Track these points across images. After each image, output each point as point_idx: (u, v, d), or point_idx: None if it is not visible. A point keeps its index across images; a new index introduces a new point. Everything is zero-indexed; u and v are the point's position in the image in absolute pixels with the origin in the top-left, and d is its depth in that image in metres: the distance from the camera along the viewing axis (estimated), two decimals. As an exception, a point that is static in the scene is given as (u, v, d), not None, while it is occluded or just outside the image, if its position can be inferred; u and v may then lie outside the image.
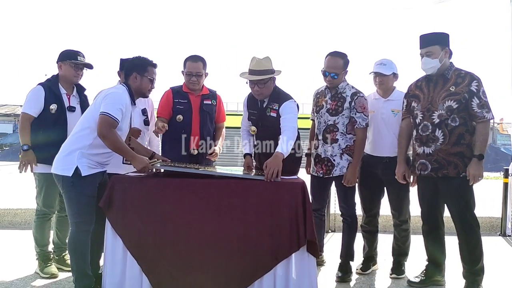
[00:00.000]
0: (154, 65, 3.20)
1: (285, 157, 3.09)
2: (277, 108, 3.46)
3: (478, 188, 3.29)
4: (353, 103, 3.57)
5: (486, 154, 3.23)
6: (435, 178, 3.27)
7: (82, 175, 2.96)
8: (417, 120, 3.33)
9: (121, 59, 3.87)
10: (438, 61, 3.23)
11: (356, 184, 3.75)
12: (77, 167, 2.95)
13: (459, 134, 3.18)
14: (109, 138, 2.90)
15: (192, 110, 3.76)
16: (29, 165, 3.56)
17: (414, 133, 3.38)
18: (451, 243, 3.43)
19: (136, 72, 3.12)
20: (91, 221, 3.04)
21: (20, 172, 3.62)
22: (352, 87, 3.66)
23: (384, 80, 3.68)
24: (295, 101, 3.51)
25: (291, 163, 3.36)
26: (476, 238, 3.23)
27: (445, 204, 3.36)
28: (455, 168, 3.18)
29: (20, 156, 3.58)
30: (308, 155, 3.89)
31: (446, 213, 3.37)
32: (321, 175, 3.69)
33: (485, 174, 3.31)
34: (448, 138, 3.19)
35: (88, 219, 3.03)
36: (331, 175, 3.64)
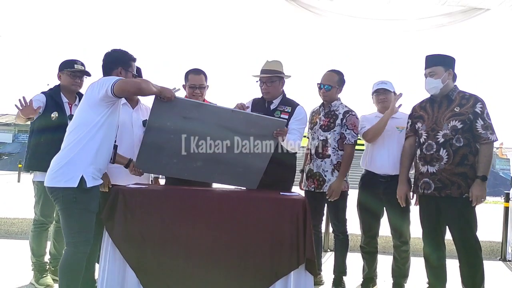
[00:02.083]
0: (135, 60, 3.11)
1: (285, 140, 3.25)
2: (289, 111, 3.57)
3: (477, 212, 3.27)
4: (344, 120, 3.70)
5: (485, 178, 3.20)
6: (437, 198, 3.24)
7: (88, 186, 2.76)
8: (422, 140, 3.34)
9: None
10: (440, 82, 3.26)
11: (356, 203, 3.82)
12: (82, 177, 2.75)
13: (463, 154, 3.18)
14: (140, 84, 2.76)
15: None
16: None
17: (418, 152, 3.37)
18: (452, 267, 3.39)
19: (121, 67, 2.98)
20: (91, 240, 2.84)
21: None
22: (346, 106, 3.80)
23: (388, 98, 3.73)
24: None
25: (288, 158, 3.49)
26: (478, 262, 3.18)
27: (447, 226, 3.33)
28: (458, 188, 3.16)
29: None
30: (302, 171, 3.98)
31: (448, 236, 3.33)
32: (313, 189, 3.77)
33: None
34: (452, 158, 3.18)
35: (88, 238, 2.81)
36: (321, 190, 3.71)
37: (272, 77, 3.57)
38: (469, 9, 5.33)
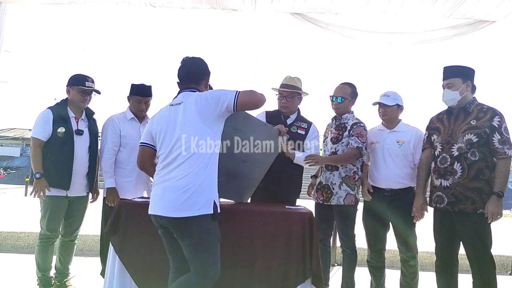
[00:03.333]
0: None
1: (294, 158, 3.45)
2: (306, 127, 3.70)
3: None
4: (351, 131, 3.68)
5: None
6: (451, 213, 3.18)
7: (219, 211, 2.54)
8: (436, 152, 3.30)
9: (132, 85, 3.92)
10: (458, 94, 3.20)
11: (361, 218, 3.80)
12: (214, 202, 2.51)
13: (478, 169, 3.10)
14: (263, 97, 2.63)
15: None
16: (41, 191, 3.53)
17: (433, 165, 3.33)
18: (464, 282, 3.33)
19: (208, 77, 2.79)
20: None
21: (34, 197, 3.58)
22: (356, 118, 3.77)
23: (388, 111, 3.70)
24: None
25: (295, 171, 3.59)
26: (491, 279, 3.09)
27: (461, 241, 3.24)
28: (473, 204, 3.08)
29: (33, 183, 3.57)
30: (313, 177, 3.99)
31: (461, 250, 3.26)
32: (321, 202, 3.75)
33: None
34: (467, 172, 3.11)
35: (218, 272, 2.55)
36: (329, 203, 3.68)
37: (293, 92, 3.66)
38: (474, 21, 5.32)
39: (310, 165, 3.62)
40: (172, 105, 2.66)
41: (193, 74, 2.72)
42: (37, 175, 3.53)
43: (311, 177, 4.04)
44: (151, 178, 3.79)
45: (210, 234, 2.48)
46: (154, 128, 2.67)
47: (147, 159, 2.74)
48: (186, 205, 2.43)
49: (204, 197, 2.47)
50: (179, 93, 2.72)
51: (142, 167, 2.82)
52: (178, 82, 2.76)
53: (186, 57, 2.76)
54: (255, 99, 2.59)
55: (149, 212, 2.58)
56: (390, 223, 3.71)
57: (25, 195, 16.08)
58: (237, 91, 2.54)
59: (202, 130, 2.51)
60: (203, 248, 2.48)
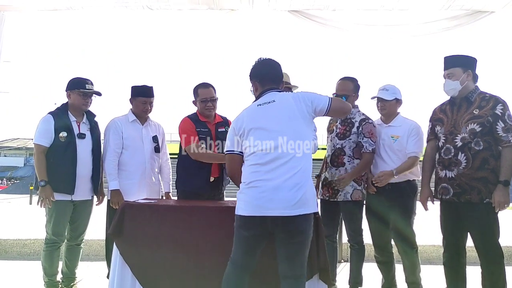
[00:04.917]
0: None
1: None
2: None
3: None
4: (360, 128, 3.62)
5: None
6: (457, 204, 3.14)
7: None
8: (440, 143, 3.27)
9: (134, 87, 3.92)
10: (458, 83, 3.17)
11: (364, 213, 3.75)
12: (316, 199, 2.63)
13: (483, 158, 3.06)
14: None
15: (211, 138, 3.74)
16: (47, 199, 3.53)
17: (437, 156, 3.29)
18: (473, 274, 3.30)
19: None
20: None
21: (41, 206, 3.59)
22: (363, 114, 3.71)
23: (386, 106, 3.67)
24: None
25: None
26: (499, 269, 3.07)
27: (468, 233, 3.21)
28: (479, 193, 3.05)
29: (37, 191, 3.58)
30: (318, 176, 3.93)
31: (469, 242, 3.22)
32: (327, 198, 3.72)
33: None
34: (472, 162, 3.07)
35: None
36: (336, 199, 3.65)
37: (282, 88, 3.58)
38: (473, 12, 5.31)
39: (338, 187, 3.58)
40: (260, 104, 2.65)
41: (276, 75, 2.77)
42: (42, 183, 3.53)
43: (315, 177, 3.93)
44: (153, 179, 3.85)
45: (312, 232, 2.56)
46: (241, 128, 2.63)
47: (238, 166, 2.68)
48: (301, 203, 2.47)
49: (313, 195, 2.55)
50: (263, 93, 2.70)
51: (232, 175, 2.77)
52: (256, 82, 2.76)
53: (263, 58, 2.78)
54: (346, 108, 2.78)
55: (254, 214, 2.51)
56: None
57: (30, 203, 16.09)
58: (329, 97, 2.68)
59: (304, 128, 2.59)
60: (307, 245, 2.55)
